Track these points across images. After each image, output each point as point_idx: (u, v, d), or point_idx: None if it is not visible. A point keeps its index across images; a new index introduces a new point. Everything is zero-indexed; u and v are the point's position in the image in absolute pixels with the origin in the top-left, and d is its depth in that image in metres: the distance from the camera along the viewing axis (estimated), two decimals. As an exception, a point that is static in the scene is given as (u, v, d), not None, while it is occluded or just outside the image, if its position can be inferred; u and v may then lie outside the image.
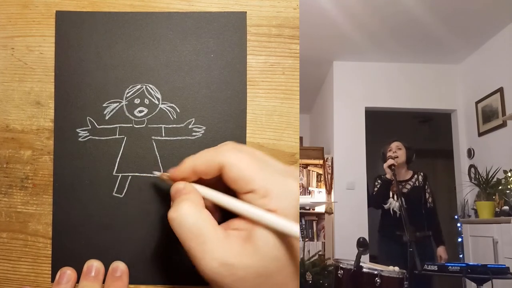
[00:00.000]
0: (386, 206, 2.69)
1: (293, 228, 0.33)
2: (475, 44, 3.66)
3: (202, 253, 0.34)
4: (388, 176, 2.61)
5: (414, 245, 1.83)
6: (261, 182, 0.35)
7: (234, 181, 0.36)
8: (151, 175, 0.46)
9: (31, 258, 0.46)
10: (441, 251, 2.65)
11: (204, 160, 0.38)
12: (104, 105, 0.47)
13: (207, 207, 0.38)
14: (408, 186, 2.69)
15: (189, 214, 0.35)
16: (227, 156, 0.37)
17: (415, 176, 2.71)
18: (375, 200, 2.78)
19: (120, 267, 0.43)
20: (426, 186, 2.68)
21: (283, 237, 0.34)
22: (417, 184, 2.68)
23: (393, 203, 2.64)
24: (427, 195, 2.66)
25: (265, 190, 0.35)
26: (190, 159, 0.39)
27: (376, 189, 2.74)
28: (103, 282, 0.43)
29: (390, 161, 2.56)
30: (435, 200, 2.72)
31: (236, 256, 0.34)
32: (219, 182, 0.38)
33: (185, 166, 0.39)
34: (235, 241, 0.35)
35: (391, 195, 2.66)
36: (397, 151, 2.69)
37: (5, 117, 0.47)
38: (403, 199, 2.17)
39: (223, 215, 0.39)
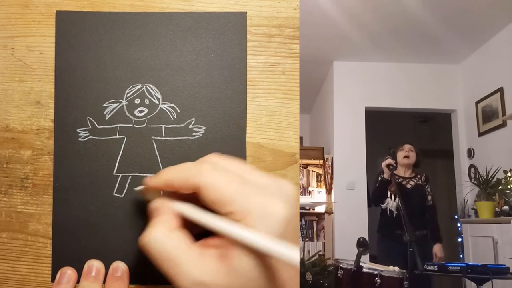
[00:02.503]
0: (383, 206, 2.72)
1: (275, 248, 0.31)
2: (475, 44, 3.66)
3: (175, 275, 0.33)
4: (386, 176, 2.63)
5: (415, 245, 1.83)
6: (239, 204, 0.33)
7: (212, 203, 0.35)
8: (151, 175, 0.46)
9: (31, 258, 0.46)
10: (436, 248, 2.68)
11: (181, 177, 0.36)
12: (104, 105, 0.47)
13: (186, 223, 0.37)
14: (412, 183, 2.76)
15: (159, 239, 0.35)
16: (205, 177, 0.35)
17: (418, 176, 2.80)
18: (374, 198, 2.84)
19: (120, 267, 0.43)
20: (427, 186, 2.78)
21: (261, 257, 0.33)
22: (420, 183, 2.77)
23: (391, 203, 2.67)
24: (427, 194, 2.76)
25: (243, 212, 0.33)
26: (168, 172, 0.38)
27: (376, 185, 2.78)
28: (104, 282, 0.43)
29: (388, 161, 2.57)
30: (435, 200, 2.80)
31: (209, 275, 0.33)
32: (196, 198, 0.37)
33: (161, 178, 0.38)
34: (210, 260, 0.34)
35: (388, 195, 2.69)
36: (409, 152, 2.80)
37: (5, 117, 0.47)
38: (401, 199, 2.17)
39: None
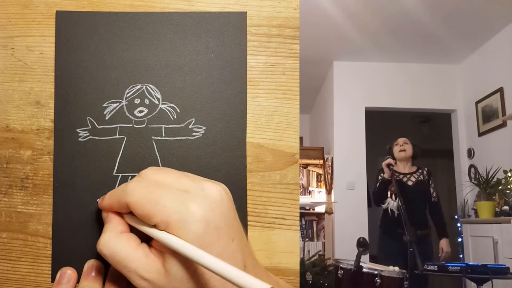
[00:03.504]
0: (384, 206, 2.70)
1: (194, 253, 0.34)
2: (475, 44, 3.66)
3: (128, 274, 0.37)
4: (386, 175, 2.62)
5: (415, 245, 1.83)
6: (160, 216, 0.36)
7: (141, 218, 0.37)
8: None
9: (31, 258, 0.46)
10: (443, 243, 2.65)
11: (115, 201, 0.40)
12: (104, 105, 0.47)
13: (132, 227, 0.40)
14: (413, 179, 2.73)
15: (107, 243, 0.38)
16: (130, 196, 0.37)
17: (420, 170, 2.75)
18: (374, 198, 2.81)
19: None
20: (431, 181, 2.72)
21: (189, 260, 0.35)
22: (422, 178, 2.72)
23: (391, 203, 2.66)
24: (431, 190, 2.71)
25: (164, 223, 0.36)
26: (108, 195, 0.41)
27: (377, 185, 2.76)
28: (104, 282, 0.43)
29: (388, 160, 2.57)
30: (439, 195, 2.74)
31: (153, 274, 0.36)
32: None
33: (104, 203, 0.41)
34: (154, 259, 0.37)
35: (389, 195, 2.67)
36: (404, 145, 2.75)
37: (5, 117, 0.47)
38: (402, 198, 2.17)
39: None
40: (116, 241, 0.38)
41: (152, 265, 0.37)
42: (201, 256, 0.34)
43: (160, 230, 0.36)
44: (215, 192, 0.38)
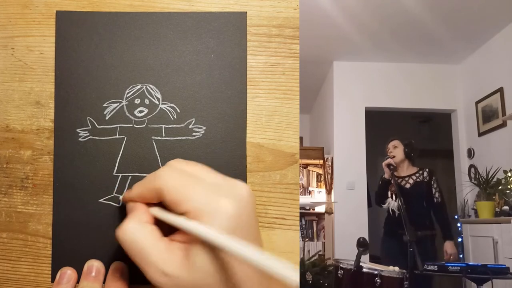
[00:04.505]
0: (384, 206, 2.69)
1: (226, 242, 0.33)
2: (475, 44, 3.66)
3: (146, 266, 0.36)
4: (387, 176, 2.61)
5: (415, 245, 1.83)
6: (192, 204, 0.36)
7: (170, 204, 0.37)
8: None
9: (31, 258, 0.46)
10: (447, 246, 2.60)
11: (146, 187, 0.39)
12: (104, 105, 0.47)
13: (157, 221, 0.39)
14: (411, 181, 2.67)
15: (131, 232, 0.37)
16: (162, 180, 0.37)
17: (420, 171, 2.68)
18: (376, 198, 2.79)
19: (120, 267, 0.43)
20: (433, 182, 2.64)
21: (217, 254, 0.35)
22: (421, 179, 2.66)
23: (392, 203, 2.64)
24: (434, 191, 2.63)
25: (196, 211, 0.35)
26: (136, 185, 0.40)
27: (378, 185, 2.74)
28: (104, 282, 0.43)
29: (388, 161, 2.56)
30: (443, 195, 2.66)
31: (175, 268, 0.35)
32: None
33: (133, 192, 0.40)
34: (176, 253, 0.36)
35: (389, 194, 2.65)
36: (393, 151, 2.68)
37: (5, 117, 0.47)
38: (402, 199, 2.16)
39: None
40: (139, 230, 0.37)
41: (174, 259, 0.36)
42: (235, 246, 0.33)
43: (190, 218, 0.35)
44: (245, 191, 0.37)
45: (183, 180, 0.37)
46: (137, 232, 0.37)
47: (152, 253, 0.36)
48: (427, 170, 2.70)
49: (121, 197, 0.45)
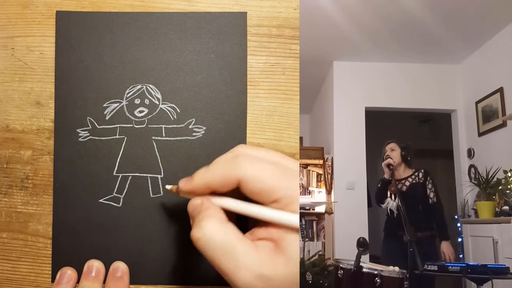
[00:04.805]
0: (383, 206, 2.68)
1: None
2: (475, 44, 3.66)
3: (235, 269, 0.32)
4: (386, 176, 2.61)
5: (415, 245, 1.83)
6: (284, 190, 0.34)
7: (257, 194, 0.34)
8: (152, 175, 0.46)
9: (31, 258, 0.46)
10: (444, 246, 2.59)
11: (219, 174, 0.36)
12: (104, 105, 0.47)
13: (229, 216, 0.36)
14: (407, 183, 2.67)
15: (214, 232, 0.34)
16: (245, 169, 0.34)
17: (416, 173, 2.68)
18: (376, 198, 2.79)
19: (121, 267, 0.43)
20: (427, 182, 2.64)
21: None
22: (417, 181, 2.66)
23: (391, 203, 2.64)
24: (428, 191, 2.62)
25: (288, 198, 0.34)
26: (203, 173, 0.37)
27: (378, 185, 2.74)
28: (104, 282, 0.43)
29: (388, 161, 2.56)
30: (439, 195, 2.66)
31: (269, 267, 0.32)
32: (234, 191, 0.36)
33: (197, 181, 0.37)
34: (266, 252, 0.33)
35: (388, 194, 2.65)
36: (390, 154, 2.67)
37: (5, 117, 0.47)
38: (401, 198, 2.16)
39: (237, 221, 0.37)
40: (223, 231, 0.34)
41: (265, 257, 0.33)
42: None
43: (279, 206, 0.33)
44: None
45: (265, 168, 0.35)
46: (221, 233, 0.33)
47: (242, 254, 0.33)
48: (422, 171, 2.69)
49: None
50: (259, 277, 0.32)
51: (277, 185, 0.34)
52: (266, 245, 0.34)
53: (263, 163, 0.35)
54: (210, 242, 0.33)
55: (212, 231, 0.34)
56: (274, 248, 0.33)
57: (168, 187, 0.42)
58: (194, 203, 0.37)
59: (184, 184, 0.38)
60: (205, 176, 0.36)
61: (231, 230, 0.34)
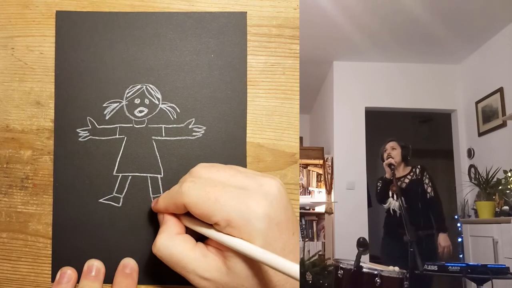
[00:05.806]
0: (385, 206, 2.68)
1: (256, 252, 0.34)
2: (475, 44, 3.66)
3: (187, 274, 0.37)
4: (388, 175, 2.61)
5: (415, 245, 1.83)
6: (220, 214, 0.36)
7: (199, 217, 0.38)
8: (151, 175, 0.46)
9: (31, 258, 0.46)
10: (441, 238, 2.59)
11: (171, 202, 0.40)
12: (104, 105, 0.47)
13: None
14: (407, 181, 2.68)
15: (164, 245, 0.38)
16: (186, 197, 0.37)
17: (413, 170, 2.69)
18: (378, 198, 2.79)
19: (131, 264, 0.43)
20: (424, 177, 2.65)
21: (252, 260, 0.36)
22: (414, 177, 2.67)
23: (393, 203, 2.64)
24: (425, 186, 2.63)
25: (225, 220, 0.36)
26: (163, 198, 0.41)
27: (378, 189, 2.74)
28: (111, 280, 0.43)
29: (390, 160, 2.56)
30: (436, 189, 2.66)
31: (213, 273, 0.37)
32: None
33: (159, 205, 0.42)
34: (213, 258, 0.37)
35: (390, 194, 2.65)
36: (391, 152, 2.68)
37: (5, 117, 0.47)
38: (403, 198, 2.16)
39: None
40: (172, 243, 0.38)
41: (211, 264, 0.37)
42: (263, 255, 0.34)
43: (220, 229, 0.36)
44: (273, 187, 0.38)
45: (209, 192, 0.37)
46: (170, 246, 0.38)
47: (189, 261, 0.37)
48: (418, 167, 2.70)
49: (121, 197, 0.45)
50: (207, 280, 0.37)
51: (213, 211, 0.36)
52: (215, 253, 0.38)
53: (205, 187, 0.38)
54: (162, 255, 0.38)
55: (163, 244, 0.38)
56: (220, 256, 0.37)
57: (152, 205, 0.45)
58: (158, 218, 0.42)
59: (153, 205, 0.43)
60: (163, 202, 0.41)
61: (181, 242, 0.38)
